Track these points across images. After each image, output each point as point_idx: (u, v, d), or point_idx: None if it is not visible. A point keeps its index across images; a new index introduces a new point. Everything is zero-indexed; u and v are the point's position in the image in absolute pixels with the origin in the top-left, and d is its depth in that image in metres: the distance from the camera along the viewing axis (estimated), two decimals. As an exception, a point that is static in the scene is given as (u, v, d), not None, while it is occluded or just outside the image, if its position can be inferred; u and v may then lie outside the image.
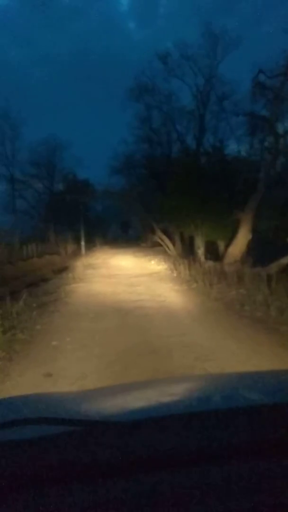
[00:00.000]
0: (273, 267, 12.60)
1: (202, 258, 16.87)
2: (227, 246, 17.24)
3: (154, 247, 27.85)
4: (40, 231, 25.46)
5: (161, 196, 23.18)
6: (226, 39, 25.31)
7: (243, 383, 1.52)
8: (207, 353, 5.04)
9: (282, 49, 17.02)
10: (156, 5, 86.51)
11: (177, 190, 18.60)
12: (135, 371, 4.44)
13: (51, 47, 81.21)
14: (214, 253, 18.39)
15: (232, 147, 24.35)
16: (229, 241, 17.02)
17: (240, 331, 6.24)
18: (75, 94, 78.52)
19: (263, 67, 17.21)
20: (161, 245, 24.39)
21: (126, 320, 7.23)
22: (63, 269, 16.82)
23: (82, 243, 30.20)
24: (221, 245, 18.61)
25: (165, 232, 23.54)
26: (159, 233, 23.61)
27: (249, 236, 16.37)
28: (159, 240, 24.02)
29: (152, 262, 20.61)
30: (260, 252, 16.05)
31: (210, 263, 15.27)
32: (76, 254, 25.72)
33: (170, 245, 22.95)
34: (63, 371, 4.55)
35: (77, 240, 29.50)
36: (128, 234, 50.40)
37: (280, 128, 17.17)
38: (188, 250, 20.94)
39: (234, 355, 4.97)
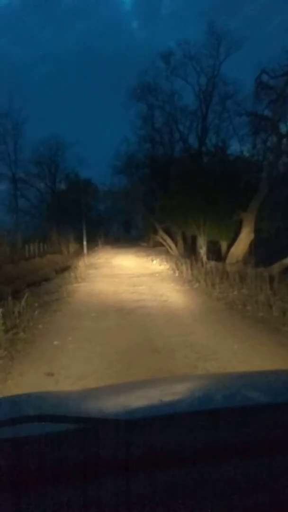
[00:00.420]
0: (276, 267, 12.59)
1: (204, 258, 16.85)
2: (229, 246, 17.23)
3: (156, 247, 27.84)
4: (42, 230, 25.52)
5: (163, 195, 23.16)
6: (229, 39, 25.43)
7: (244, 382, 1.52)
8: (209, 353, 5.04)
9: (285, 49, 17.05)
10: (159, 5, 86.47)
11: (179, 190, 18.60)
12: (137, 371, 4.44)
13: (53, 46, 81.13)
14: (216, 253, 18.37)
15: (235, 147, 24.44)
16: (232, 241, 17.01)
17: (242, 331, 6.23)
18: (77, 93, 78.68)
19: (266, 67, 17.24)
20: (163, 245, 24.39)
21: (128, 319, 7.23)
22: (65, 268, 16.84)
23: (84, 242, 30.22)
24: (223, 245, 18.60)
25: (167, 232, 23.54)
26: (161, 232, 23.60)
27: (252, 236, 16.36)
28: (161, 240, 24.02)
29: (154, 262, 20.60)
30: (262, 252, 16.04)
31: (212, 263, 15.26)
32: (78, 253, 25.73)
33: (172, 245, 22.95)
34: (65, 371, 4.55)
35: (79, 240, 29.52)
36: (130, 234, 50.37)
37: (283, 128, 17.17)
38: (190, 250, 20.93)
39: (236, 355, 4.96)
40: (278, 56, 18.35)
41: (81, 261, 19.94)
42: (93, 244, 34.58)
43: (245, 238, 16.29)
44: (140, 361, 4.78)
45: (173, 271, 15.46)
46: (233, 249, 16.50)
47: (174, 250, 22.56)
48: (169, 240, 23.21)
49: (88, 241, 31.21)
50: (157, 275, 14.86)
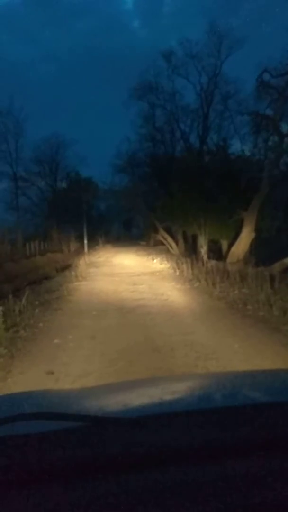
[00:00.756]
0: (276, 267, 12.59)
1: (205, 257, 16.85)
2: (230, 245, 17.24)
3: (156, 246, 27.84)
4: (43, 229, 25.52)
5: (164, 194, 23.18)
6: (231, 37, 25.39)
7: (244, 381, 1.52)
8: (209, 352, 5.04)
9: (286, 48, 17.02)
10: (160, 3, 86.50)
11: (180, 189, 18.61)
12: (137, 369, 4.45)
13: (55, 45, 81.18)
14: (217, 252, 18.38)
15: (236, 146, 24.30)
16: (232, 241, 17.01)
17: (242, 330, 6.23)
18: (78, 92, 78.53)
19: (267, 66, 17.21)
20: (163, 244, 24.40)
21: (128, 318, 7.23)
22: (66, 267, 16.85)
23: (85, 241, 30.23)
24: (224, 244, 18.61)
25: (168, 231, 23.54)
26: (162, 232, 23.61)
27: (252, 236, 16.36)
28: (162, 239, 24.03)
29: (155, 260, 20.60)
30: (263, 251, 16.04)
31: (213, 262, 15.26)
32: (79, 252, 25.73)
33: (173, 244, 22.95)
34: (65, 369, 4.56)
35: (80, 239, 29.52)
36: (131, 233, 50.34)
37: (284, 127, 17.15)
38: (191, 249, 20.93)
39: (236, 354, 4.96)
40: (280, 55, 18.35)
41: (81, 260, 19.95)
42: (93, 243, 34.59)
43: (246, 237, 16.29)
44: (140, 360, 4.78)
45: (174, 270, 15.46)
46: (233, 249, 16.50)
47: (174, 249, 22.56)
48: (169, 239, 23.22)
49: (88, 240, 31.22)
50: (157, 274, 14.86)
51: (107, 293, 10.18)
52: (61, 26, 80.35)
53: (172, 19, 73.15)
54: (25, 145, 37.96)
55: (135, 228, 48.17)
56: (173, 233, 23.63)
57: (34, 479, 0.79)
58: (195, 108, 27.15)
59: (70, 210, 34.32)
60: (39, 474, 0.79)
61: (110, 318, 7.26)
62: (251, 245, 16.66)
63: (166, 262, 18.77)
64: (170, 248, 23.05)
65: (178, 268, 15.03)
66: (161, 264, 18.81)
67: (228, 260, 15.91)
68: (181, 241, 23.37)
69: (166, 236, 23.38)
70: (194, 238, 20.32)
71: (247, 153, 21.81)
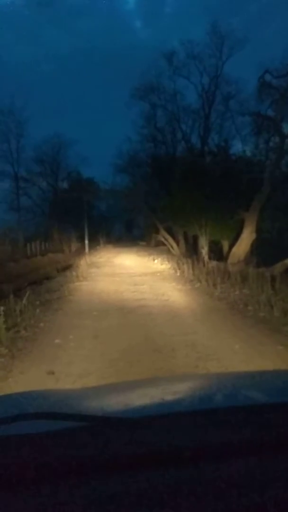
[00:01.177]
0: (277, 268, 12.58)
1: (206, 257, 16.85)
2: (231, 246, 17.23)
3: (157, 246, 27.85)
4: (44, 229, 25.49)
5: (165, 195, 23.17)
6: (232, 38, 25.38)
7: (245, 382, 1.52)
8: (210, 352, 5.04)
9: (288, 49, 16.98)
10: (162, 4, 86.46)
11: (181, 189, 18.61)
12: (138, 370, 4.45)
13: (56, 45, 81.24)
14: (218, 253, 18.37)
15: (237, 147, 24.35)
16: (233, 241, 17.01)
17: (243, 331, 6.23)
18: (80, 92, 78.58)
19: (269, 67, 17.21)
20: (164, 244, 24.40)
21: (129, 318, 7.23)
22: (67, 267, 16.85)
23: (86, 241, 30.22)
24: (225, 245, 18.60)
25: (169, 232, 23.55)
26: (163, 232, 23.62)
27: (253, 236, 16.36)
28: (163, 240, 24.03)
29: (156, 261, 20.60)
30: (264, 252, 16.03)
31: (213, 263, 15.26)
32: (80, 252, 25.73)
33: (174, 245, 22.96)
34: (66, 369, 4.56)
35: (81, 239, 29.51)
36: (132, 233, 50.35)
37: (285, 128, 17.15)
38: (191, 250, 20.94)
39: (237, 355, 4.96)
40: (281, 56, 18.31)
41: (82, 260, 19.96)
42: (94, 243, 34.60)
43: (246, 238, 16.28)
44: (141, 360, 4.78)
45: (175, 270, 15.46)
46: (234, 249, 16.49)
47: (175, 249, 22.56)
48: (170, 240, 23.22)
49: (89, 240, 31.22)
50: (158, 274, 14.86)
51: (108, 293, 10.18)
52: (63, 26, 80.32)
53: (174, 20, 73.11)
54: (27, 145, 38.01)
55: (136, 228, 48.20)
56: (174, 233, 23.64)
57: (34, 479, 0.79)
58: (196, 108, 27.18)
59: (71, 210, 34.33)
60: (40, 474, 0.79)
61: (111, 318, 7.26)
62: (252, 245, 16.66)
63: (167, 262, 18.77)
64: (171, 249, 23.05)
65: (179, 269, 15.03)
66: (162, 264, 18.81)
67: (229, 260, 15.90)
68: (182, 242, 23.36)
69: (167, 236, 23.39)
70: (195, 239, 20.32)
71: (248, 153, 21.85)
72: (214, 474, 0.81)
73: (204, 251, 17.41)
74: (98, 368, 4.56)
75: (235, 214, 16.79)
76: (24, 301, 7.83)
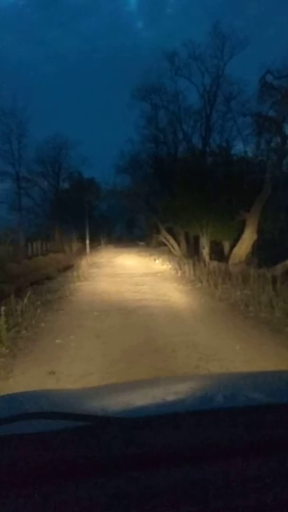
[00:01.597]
0: (278, 268, 12.55)
1: (207, 258, 16.85)
2: (232, 246, 17.20)
3: (158, 247, 27.84)
4: (45, 229, 25.51)
5: (166, 195, 23.17)
6: (234, 39, 25.33)
7: (245, 383, 1.52)
8: (211, 353, 5.03)
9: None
10: (164, 4, 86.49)
11: (182, 190, 18.59)
12: (139, 370, 4.44)
13: (58, 46, 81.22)
14: (219, 254, 18.36)
15: (239, 148, 24.26)
16: (234, 242, 16.98)
17: (244, 331, 6.23)
18: (82, 93, 78.68)
19: (270, 68, 17.20)
20: (165, 245, 24.39)
21: (130, 319, 7.23)
22: (68, 267, 16.86)
23: (87, 241, 30.24)
24: (226, 245, 18.58)
25: (170, 232, 23.54)
26: (164, 232, 23.61)
27: (255, 237, 16.33)
28: (164, 240, 24.02)
29: (157, 261, 20.61)
30: (265, 253, 16.01)
31: (215, 263, 15.25)
32: (81, 252, 25.77)
33: (175, 245, 22.95)
34: (67, 369, 4.56)
35: (82, 239, 29.54)
36: (133, 234, 50.37)
37: (287, 129, 17.12)
38: (193, 250, 20.93)
39: (238, 355, 4.96)
40: (283, 56, 18.33)
41: (83, 260, 19.98)
42: (95, 243, 34.65)
43: (248, 238, 16.26)
44: (142, 361, 4.78)
45: (176, 271, 15.46)
46: (236, 250, 16.47)
47: (176, 250, 22.56)
48: (172, 240, 23.21)
49: (91, 241, 31.24)
50: (159, 274, 14.86)
51: (109, 294, 10.18)
52: (64, 27, 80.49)
53: (176, 20, 73.20)
54: (28, 145, 37.98)
55: (137, 229, 48.19)
56: (175, 234, 23.63)
57: (34, 479, 0.79)
58: (197, 109, 27.13)
59: (73, 211, 34.38)
60: (40, 474, 0.80)
61: (112, 318, 7.26)
62: (253, 246, 16.63)
63: (168, 262, 18.77)
64: (172, 249, 23.05)
65: (180, 269, 15.04)
66: (162, 265, 18.81)
67: (230, 261, 15.88)
68: (183, 242, 23.36)
69: (168, 237, 23.38)
70: (196, 239, 20.31)
71: (250, 154, 21.80)
72: (214, 474, 0.81)
73: (205, 251, 17.41)
74: (99, 369, 4.56)
75: (236, 215, 16.76)
76: (25, 301, 7.84)
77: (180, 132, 28.39)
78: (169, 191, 22.87)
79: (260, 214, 16.08)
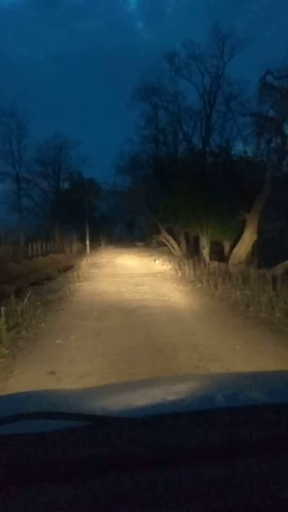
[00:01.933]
0: (278, 269, 12.57)
1: (207, 258, 16.86)
2: (232, 247, 17.22)
3: (158, 247, 27.84)
4: (45, 229, 25.49)
5: (166, 196, 23.13)
6: (234, 39, 25.37)
7: (245, 382, 1.52)
8: (211, 353, 5.03)
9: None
10: (164, 5, 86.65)
11: (182, 190, 18.59)
12: (139, 370, 4.44)
13: (58, 46, 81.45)
14: (219, 254, 18.37)
15: (239, 148, 24.24)
16: (235, 242, 16.99)
17: (244, 332, 6.23)
18: (81, 93, 78.84)
19: (270, 68, 17.20)
20: (165, 245, 24.40)
21: (130, 319, 7.23)
22: (68, 267, 16.87)
23: (87, 242, 30.25)
24: (226, 245, 18.59)
25: (170, 232, 23.53)
26: (164, 233, 23.61)
27: (255, 237, 16.35)
28: (164, 240, 24.02)
29: (157, 262, 20.61)
30: (265, 253, 16.02)
31: (215, 264, 15.26)
32: (81, 253, 25.77)
33: (175, 245, 22.95)
34: (67, 369, 4.56)
35: (82, 239, 29.54)
36: (133, 234, 50.39)
37: (287, 129, 17.12)
38: (193, 251, 20.94)
39: (238, 355, 4.96)
40: (283, 57, 18.33)
41: (84, 261, 19.99)
42: (96, 243, 34.66)
43: (248, 239, 16.27)
44: (142, 361, 4.78)
45: (176, 271, 15.46)
46: (236, 250, 16.48)
47: (177, 250, 22.56)
48: (172, 240, 23.21)
49: (91, 241, 31.26)
50: (159, 275, 14.86)
51: (109, 294, 10.18)
52: (64, 27, 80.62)
53: (176, 21, 73.37)
54: (28, 146, 38.16)
55: (137, 229, 48.21)
56: (175, 234, 23.63)
57: (34, 479, 0.79)
58: (197, 109, 27.13)
59: (73, 211, 34.39)
60: (40, 474, 0.80)
61: (112, 318, 7.26)
62: (253, 246, 16.64)
63: (168, 263, 18.78)
64: (172, 249, 23.05)
65: (180, 269, 15.04)
66: (163, 265, 18.81)
67: (230, 261, 15.89)
68: (183, 242, 23.36)
69: (168, 237, 23.38)
70: (196, 240, 20.32)
71: (250, 154, 21.79)
72: (214, 474, 0.81)
73: (205, 251, 17.42)
74: (99, 369, 4.56)
75: (237, 215, 16.78)
76: (25, 301, 7.84)
77: (180, 132, 28.42)
78: (169, 191, 22.83)
79: (260, 214, 16.10)
